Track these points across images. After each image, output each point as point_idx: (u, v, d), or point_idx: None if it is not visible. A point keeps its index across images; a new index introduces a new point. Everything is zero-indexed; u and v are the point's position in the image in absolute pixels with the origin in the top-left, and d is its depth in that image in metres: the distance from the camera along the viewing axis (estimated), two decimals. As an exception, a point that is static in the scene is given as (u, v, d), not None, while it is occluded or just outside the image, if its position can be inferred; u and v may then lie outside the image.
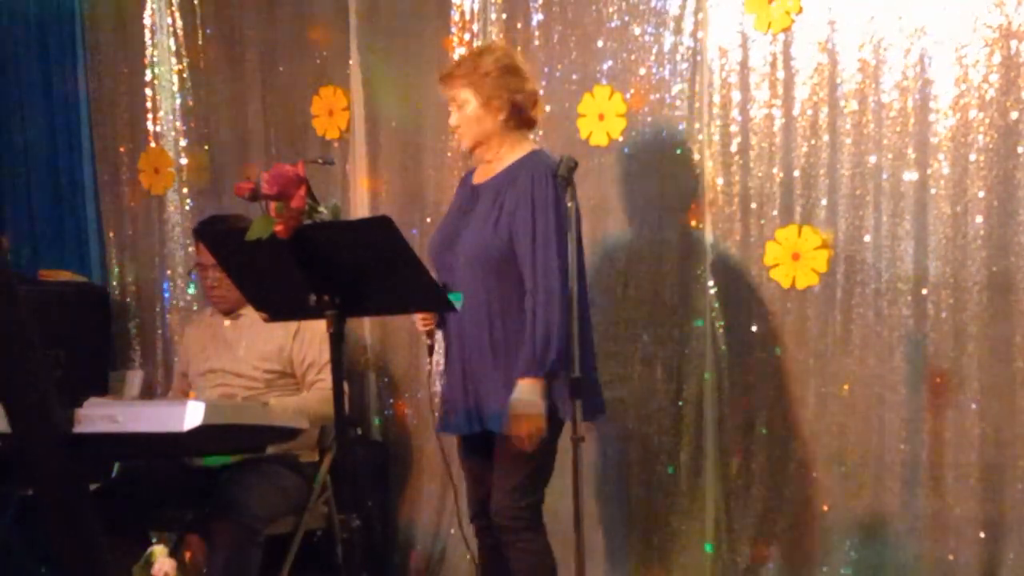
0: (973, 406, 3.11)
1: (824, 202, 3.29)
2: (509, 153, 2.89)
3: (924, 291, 3.17)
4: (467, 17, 3.81)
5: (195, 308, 4.38)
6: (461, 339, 2.89)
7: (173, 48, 4.43)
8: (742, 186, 3.39)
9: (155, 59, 4.45)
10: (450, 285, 2.83)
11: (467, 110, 2.86)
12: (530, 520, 2.85)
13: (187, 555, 3.57)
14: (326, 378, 3.42)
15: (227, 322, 3.64)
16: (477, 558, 3.08)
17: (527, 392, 2.72)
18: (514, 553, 2.82)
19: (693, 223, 3.46)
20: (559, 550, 2.91)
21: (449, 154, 3.89)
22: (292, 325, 3.50)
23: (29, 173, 4.73)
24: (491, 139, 2.88)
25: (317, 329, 3.12)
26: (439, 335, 3.04)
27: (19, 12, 4.69)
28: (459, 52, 3.82)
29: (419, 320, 2.97)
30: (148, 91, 4.47)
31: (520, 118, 2.90)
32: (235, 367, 3.54)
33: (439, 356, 3.15)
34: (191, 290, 4.43)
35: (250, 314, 3.50)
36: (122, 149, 4.57)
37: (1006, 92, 3.05)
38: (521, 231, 2.77)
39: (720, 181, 3.42)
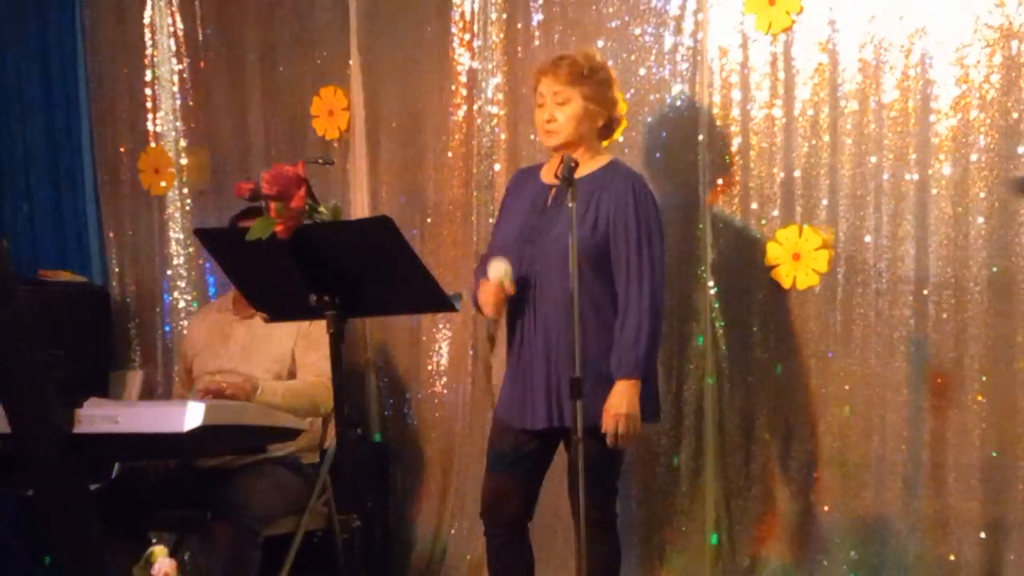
0: (974, 406, 3.11)
1: (825, 202, 3.29)
2: (592, 159, 2.96)
3: (925, 291, 3.17)
4: (467, 17, 3.81)
5: (195, 307, 4.38)
6: (547, 332, 2.90)
7: (173, 48, 4.43)
8: (742, 186, 3.39)
9: (155, 59, 4.45)
10: (531, 276, 2.90)
11: (570, 109, 2.91)
12: (615, 515, 2.96)
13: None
14: (322, 367, 3.37)
15: (239, 322, 3.62)
16: (487, 558, 3.04)
17: (630, 392, 2.80)
18: (597, 547, 2.83)
19: (693, 223, 3.45)
20: (560, 550, 2.91)
21: (449, 154, 3.89)
22: (302, 328, 3.50)
23: (29, 173, 4.72)
24: (582, 142, 2.94)
25: (322, 334, 3.11)
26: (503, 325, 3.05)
27: (19, 13, 4.68)
28: (459, 52, 3.83)
29: (490, 307, 2.95)
30: (148, 91, 4.46)
31: (609, 130, 3.04)
32: (247, 369, 3.53)
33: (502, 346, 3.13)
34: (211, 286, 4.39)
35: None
36: (122, 149, 4.57)
37: (1007, 92, 3.05)
38: (622, 235, 2.85)
39: (720, 181, 3.42)
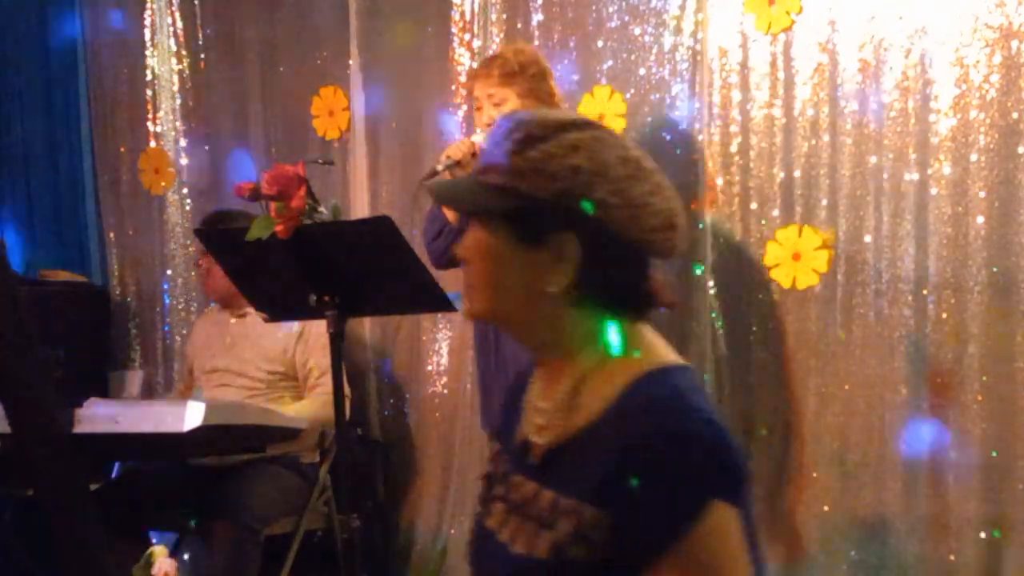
0: (974, 406, 3.11)
1: (825, 202, 3.29)
2: None
3: (925, 291, 3.17)
4: (467, 17, 3.81)
5: (195, 307, 4.39)
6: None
7: (173, 48, 4.43)
8: (742, 186, 3.39)
9: (155, 59, 4.45)
10: None
11: (507, 109, 2.88)
12: None
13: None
14: (326, 384, 3.43)
15: (233, 320, 3.64)
16: None
17: None
18: None
19: (693, 223, 3.46)
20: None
21: (449, 154, 3.89)
22: (296, 327, 3.50)
23: (29, 173, 4.73)
24: None
25: (321, 332, 3.12)
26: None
27: (19, 13, 4.69)
28: (459, 52, 3.83)
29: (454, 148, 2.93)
30: (148, 91, 4.47)
31: None
32: (239, 367, 3.54)
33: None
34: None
35: (256, 313, 3.51)
36: (122, 149, 4.57)
37: (1007, 92, 3.05)
38: None
39: (720, 181, 3.42)
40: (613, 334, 1.41)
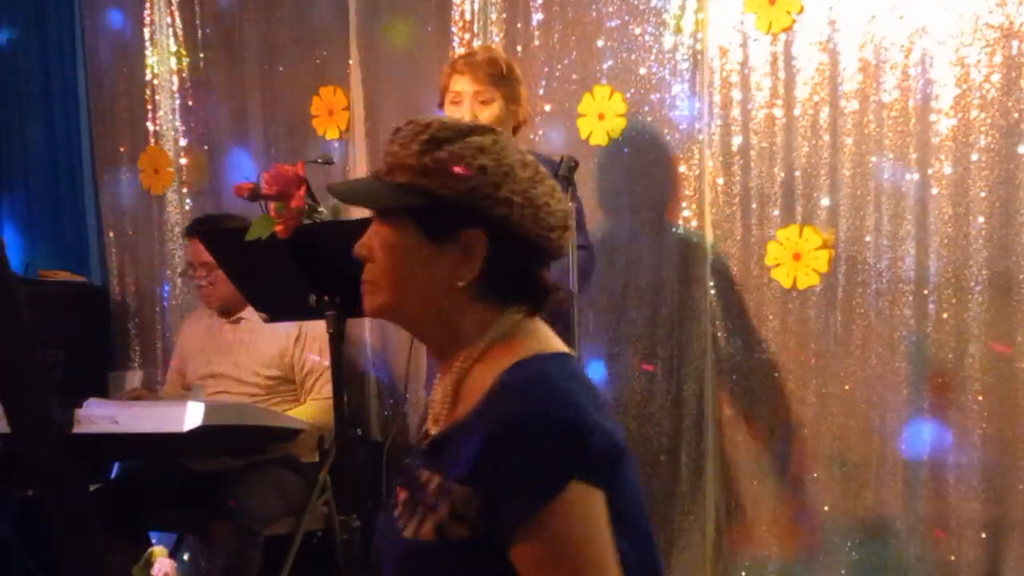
0: (974, 406, 3.11)
1: (825, 202, 3.29)
2: None
3: (925, 291, 3.17)
4: (467, 17, 3.81)
5: (194, 308, 4.38)
6: None
7: (173, 48, 4.43)
8: (742, 186, 3.39)
9: (155, 59, 4.45)
10: None
11: (495, 109, 2.94)
12: None
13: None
14: (324, 388, 3.43)
15: (227, 326, 3.64)
16: None
17: None
18: None
19: (693, 223, 3.46)
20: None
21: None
22: (293, 330, 3.50)
23: (29, 173, 4.72)
24: None
25: (318, 334, 3.11)
26: None
27: (19, 13, 4.69)
28: (459, 52, 3.82)
29: None
30: (148, 91, 4.46)
31: (517, 130, 3.05)
32: (236, 373, 3.54)
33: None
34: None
35: (251, 318, 3.51)
36: (122, 149, 4.57)
37: (1007, 92, 3.05)
38: None
39: (720, 181, 3.42)
40: (500, 326, 1.48)
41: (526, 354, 1.47)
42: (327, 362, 3.22)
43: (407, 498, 1.49)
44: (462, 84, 2.97)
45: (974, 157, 3.09)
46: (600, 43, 3.57)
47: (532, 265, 1.52)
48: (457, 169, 1.44)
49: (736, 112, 3.39)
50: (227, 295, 3.47)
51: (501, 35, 3.73)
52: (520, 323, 1.50)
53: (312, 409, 3.45)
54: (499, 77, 2.94)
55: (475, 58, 3.01)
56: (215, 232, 3.06)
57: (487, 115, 2.93)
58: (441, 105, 3.11)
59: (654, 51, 3.50)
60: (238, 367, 3.55)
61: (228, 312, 3.63)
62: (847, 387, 3.28)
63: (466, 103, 2.94)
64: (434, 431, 1.51)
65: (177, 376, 3.79)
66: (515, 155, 1.48)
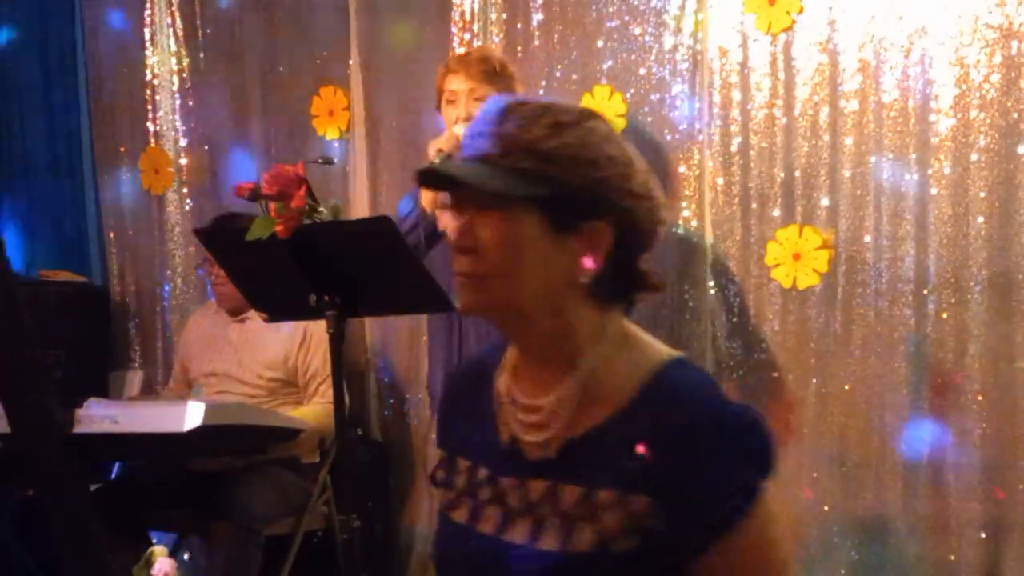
0: (974, 406, 3.11)
1: (825, 202, 3.29)
2: None
3: (925, 291, 3.17)
4: (467, 17, 3.81)
5: (195, 308, 4.38)
6: (482, 338, 2.90)
7: (173, 48, 4.43)
8: (742, 186, 3.39)
9: (155, 59, 4.45)
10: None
11: None
12: None
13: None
14: (327, 390, 3.43)
15: (233, 325, 3.64)
16: None
17: None
18: None
19: (693, 223, 3.46)
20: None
21: (449, 154, 3.89)
22: (298, 334, 3.50)
23: (29, 173, 4.73)
24: None
25: (322, 338, 3.11)
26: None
27: (19, 13, 4.69)
28: (459, 52, 3.82)
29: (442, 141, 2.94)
30: (148, 91, 4.46)
31: None
32: (239, 373, 3.54)
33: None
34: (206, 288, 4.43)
35: (256, 318, 3.51)
36: (122, 149, 4.57)
37: (1007, 92, 3.05)
38: None
39: (720, 181, 3.42)
40: (612, 324, 1.40)
41: (668, 357, 1.41)
42: (329, 368, 3.22)
43: (512, 511, 1.39)
44: (456, 83, 2.98)
45: (973, 157, 3.09)
46: (600, 43, 3.57)
47: (643, 259, 1.42)
48: (590, 156, 1.32)
49: (736, 112, 3.39)
50: (238, 294, 3.47)
51: (501, 35, 3.73)
52: (627, 323, 1.42)
53: (314, 411, 3.44)
54: (492, 74, 2.95)
55: (468, 57, 3.03)
56: (215, 232, 3.06)
57: (465, 113, 2.93)
58: (438, 107, 3.11)
59: (654, 51, 3.50)
60: (241, 367, 3.55)
61: (236, 311, 3.63)
62: (847, 387, 3.28)
63: (461, 101, 2.95)
64: (536, 438, 1.38)
65: (181, 374, 3.80)
66: (629, 145, 1.38)
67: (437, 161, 2.87)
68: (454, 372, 1.55)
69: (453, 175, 1.35)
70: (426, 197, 2.94)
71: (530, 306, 1.35)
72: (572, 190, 1.32)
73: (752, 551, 1.30)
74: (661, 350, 1.42)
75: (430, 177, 1.41)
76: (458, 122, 2.97)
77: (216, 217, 3.78)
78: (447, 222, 2.95)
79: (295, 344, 3.52)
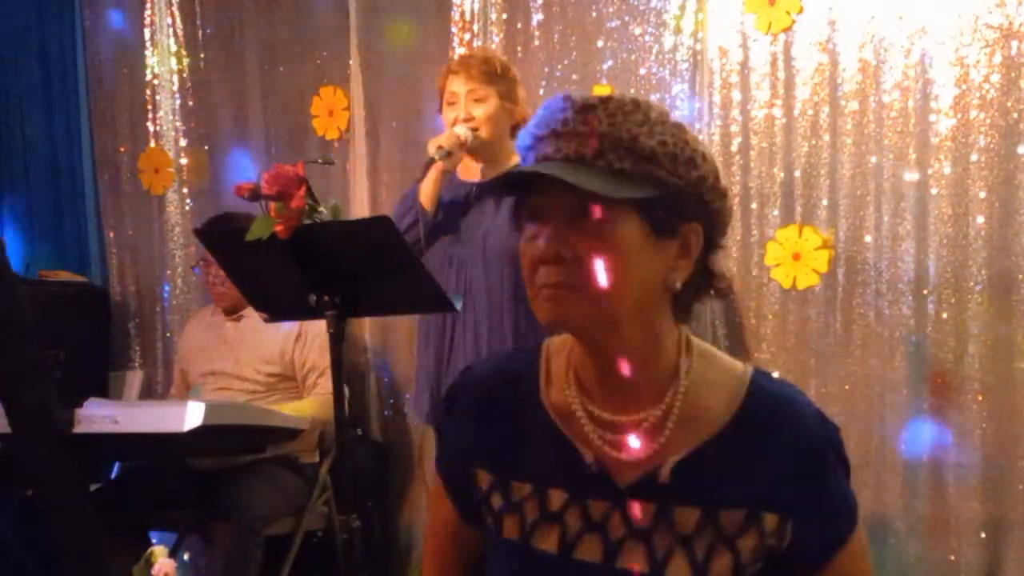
0: (974, 406, 3.11)
1: (825, 202, 3.29)
2: (508, 159, 2.99)
3: (925, 291, 3.17)
4: (467, 17, 3.81)
5: (195, 308, 4.38)
6: (477, 330, 2.91)
7: (173, 48, 4.43)
8: (742, 186, 3.39)
9: (155, 59, 4.45)
10: (460, 275, 2.91)
11: (488, 107, 2.94)
12: None
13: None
14: (325, 383, 3.43)
15: (228, 323, 3.65)
16: None
17: None
18: None
19: (693, 223, 3.45)
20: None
21: (449, 154, 3.89)
22: (293, 328, 3.51)
23: (29, 173, 4.73)
24: (503, 140, 2.97)
25: (318, 332, 3.11)
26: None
27: (19, 13, 4.69)
28: (459, 52, 3.82)
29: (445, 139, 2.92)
30: (148, 91, 4.47)
31: (517, 129, 3.01)
32: (236, 370, 3.54)
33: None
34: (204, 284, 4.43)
35: (252, 316, 3.52)
36: (122, 149, 4.57)
37: (1007, 92, 3.05)
38: None
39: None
40: (685, 333, 1.35)
41: (740, 365, 1.36)
42: (327, 360, 3.22)
43: (617, 536, 1.29)
44: (457, 84, 2.98)
45: (973, 157, 3.09)
46: (600, 43, 3.57)
47: (713, 262, 1.33)
48: (688, 154, 1.25)
49: (736, 112, 3.39)
50: (237, 295, 3.47)
51: (501, 35, 3.73)
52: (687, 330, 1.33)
53: (312, 404, 3.45)
54: (493, 75, 2.95)
55: (470, 58, 3.03)
56: (215, 232, 3.06)
57: (481, 113, 2.94)
58: (440, 109, 3.11)
59: (654, 51, 3.50)
60: (239, 364, 3.55)
61: (232, 310, 3.64)
62: (847, 387, 3.28)
63: (460, 102, 2.96)
64: (633, 457, 1.29)
65: (181, 380, 3.80)
66: None
67: (437, 158, 2.87)
68: (469, 384, 1.42)
69: (558, 177, 1.19)
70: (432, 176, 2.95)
71: (627, 318, 1.25)
72: (674, 191, 1.24)
73: (858, 560, 1.30)
74: (735, 361, 1.38)
75: (512, 180, 1.28)
76: (457, 123, 2.97)
77: (212, 218, 3.79)
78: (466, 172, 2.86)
79: (291, 339, 3.52)
